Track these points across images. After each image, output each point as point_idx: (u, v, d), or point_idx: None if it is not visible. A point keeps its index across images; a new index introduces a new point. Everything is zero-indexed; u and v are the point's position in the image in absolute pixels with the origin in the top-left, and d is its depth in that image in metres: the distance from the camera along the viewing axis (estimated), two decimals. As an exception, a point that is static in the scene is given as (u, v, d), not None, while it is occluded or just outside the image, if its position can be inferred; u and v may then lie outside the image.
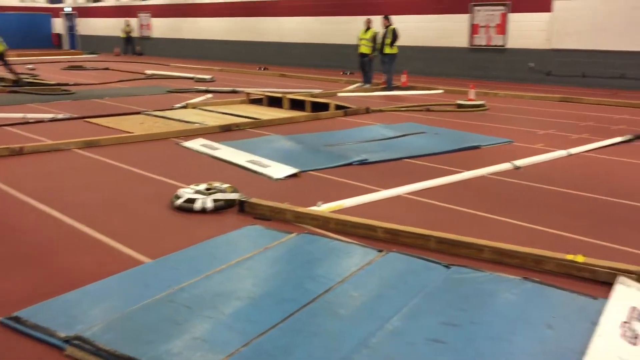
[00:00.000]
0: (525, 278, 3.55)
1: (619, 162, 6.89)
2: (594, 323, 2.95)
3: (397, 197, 5.42)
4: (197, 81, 16.37)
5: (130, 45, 28.66)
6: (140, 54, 28.40)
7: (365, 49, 14.55)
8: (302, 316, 3.08)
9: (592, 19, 14.71)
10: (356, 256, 3.92)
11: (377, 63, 14.63)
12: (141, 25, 29.19)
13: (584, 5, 14.79)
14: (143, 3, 28.93)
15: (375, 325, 2.97)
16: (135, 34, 28.95)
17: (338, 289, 3.41)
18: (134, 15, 29.32)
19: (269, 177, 6.07)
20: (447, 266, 3.73)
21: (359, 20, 15.79)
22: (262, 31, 22.97)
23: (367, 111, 10.70)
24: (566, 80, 15.27)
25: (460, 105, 11.23)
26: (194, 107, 11.09)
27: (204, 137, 7.97)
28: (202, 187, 5.16)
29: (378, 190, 5.52)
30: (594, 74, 14.88)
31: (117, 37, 28.86)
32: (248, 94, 12.07)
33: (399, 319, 3.05)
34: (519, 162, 6.61)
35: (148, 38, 28.89)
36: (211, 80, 16.37)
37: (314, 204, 4.90)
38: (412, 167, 6.60)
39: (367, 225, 4.37)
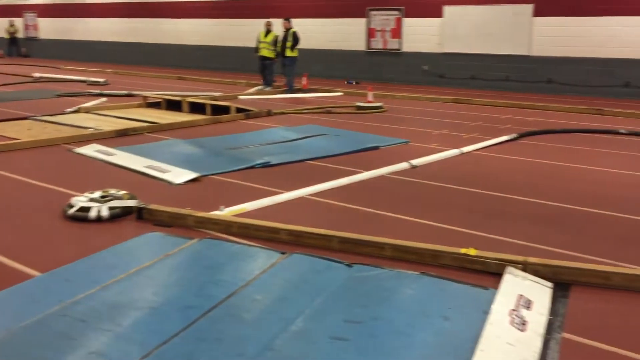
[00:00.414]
0: (424, 273, 3.69)
1: (506, 159, 7.32)
2: (486, 312, 3.12)
3: (300, 199, 5.46)
4: (89, 84, 15.67)
5: (15, 47, 26.92)
6: (26, 56, 26.76)
7: (266, 52, 14.55)
8: (205, 323, 3.02)
9: (479, 24, 15.56)
10: (259, 259, 3.90)
11: (277, 66, 14.68)
12: (26, 26, 27.51)
13: (471, 12, 15.62)
14: (28, 2, 27.27)
15: (280, 327, 2.98)
16: (20, 34, 27.23)
17: (241, 293, 3.38)
18: (19, 15, 27.58)
19: (169, 183, 5.92)
20: (349, 265, 3.80)
21: (259, 23, 15.79)
22: (159, 33, 22.36)
23: (269, 114, 10.70)
24: (457, 82, 16.04)
25: (359, 107, 11.49)
26: (86, 112, 10.60)
27: (98, 143, 7.63)
28: (97, 194, 4.94)
29: (281, 193, 5.54)
30: (482, 77, 15.74)
31: (0, 38, 27.01)
32: (145, 97, 11.70)
33: (303, 319, 3.07)
34: (416, 162, 6.86)
35: (35, 39, 27.28)
36: (105, 84, 15.72)
37: (216, 209, 4.83)
38: (314, 169, 6.68)
39: (270, 227, 4.37)
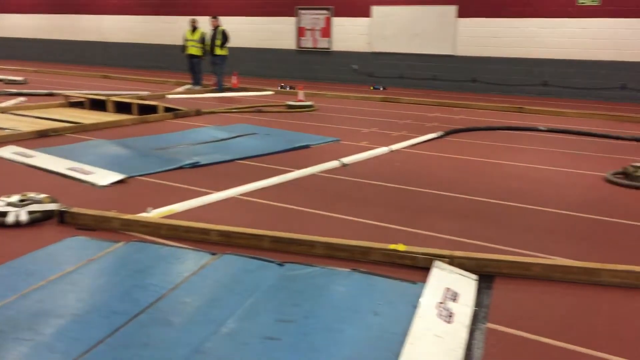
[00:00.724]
0: (354, 269, 3.72)
1: (433, 156, 7.51)
2: (415, 306, 3.18)
3: (231, 199, 5.40)
4: (7, 83, 14.91)
5: None
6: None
7: (194, 50, 14.32)
8: (132, 328, 2.93)
9: (407, 25, 15.89)
10: (189, 261, 3.83)
11: (206, 64, 14.47)
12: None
13: (398, 12, 15.93)
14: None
15: (210, 329, 2.93)
16: None
17: (170, 296, 3.31)
18: None
19: (93, 185, 5.72)
20: (280, 264, 3.78)
21: (187, 21, 15.48)
22: (80, 29, 21.57)
23: (198, 113, 10.53)
24: (386, 81, 16.32)
25: (290, 106, 11.50)
26: (3, 112, 10.08)
27: (16, 144, 7.27)
28: (15, 198, 4.70)
29: (211, 193, 5.46)
30: (410, 76, 16.10)
31: None
32: (67, 96, 11.24)
33: (234, 320, 3.04)
34: (346, 160, 6.93)
35: (-54, 35, 25.71)
36: (24, 82, 15.01)
37: (143, 211, 4.70)
38: (244, 168, 6.62)
39: (200, 228, 4.30)
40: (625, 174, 6.36)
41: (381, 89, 15.68)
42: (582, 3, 13.92)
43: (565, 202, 5.50)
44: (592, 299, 3.47)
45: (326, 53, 17.24)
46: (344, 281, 3.55)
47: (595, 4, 13.77)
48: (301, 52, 17.61)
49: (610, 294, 3.54)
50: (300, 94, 11.87)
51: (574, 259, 3.95)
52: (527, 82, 14.77)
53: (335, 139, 8.40)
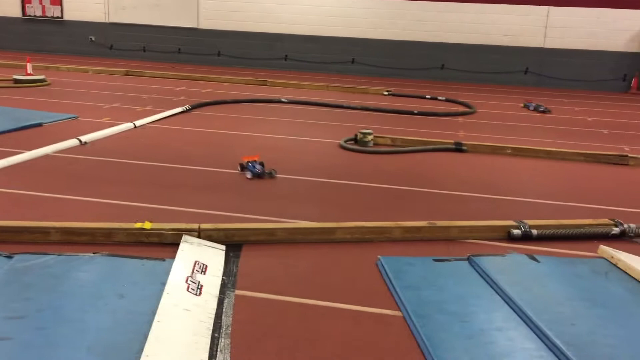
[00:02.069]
0: (95, 253, 3.49)
1: (180, 130, 7.40)
2: (163, 283, 3.11)
3: (-57, 188, 4.65)
4: None
5: None
6: None
7: None
8: None
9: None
10: None
11: None
12: None
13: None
14: None
15: None
16: None
17: None
18: None
19: None
20: (9, 256, 3.38)
21: None
22: None
23: None
24: (129, 54, 15.58)
25: (17, 81, 10.29)
26: None
27: None
28: None
29: None
30: (154, 49, 15.58)
31: None
32: None
33: (-49, 327, 2.63)
34: (85, 138, 6.45)
35: None
36: None
37: None
38: (-40, 152, 5.75)
39: None
40: (355, 140, 7.04)
41: (532, 106, 10.70)
42: (314, -18, 14.88)
43: (306, 168, 5.88)
44: (329, 256, 3.77)
45: (58, 22, 15.76)
46: (84, 267, 3.31)
47: (325, -17, 14.82)
48: (28, 20, 15.83)
49: (344, 249, 3.89)
50: (29, 67, 10.68)
51: (314, 221, 4.24)
52: (270, 57, 15.37)
53: (72, 115, 7.77)
